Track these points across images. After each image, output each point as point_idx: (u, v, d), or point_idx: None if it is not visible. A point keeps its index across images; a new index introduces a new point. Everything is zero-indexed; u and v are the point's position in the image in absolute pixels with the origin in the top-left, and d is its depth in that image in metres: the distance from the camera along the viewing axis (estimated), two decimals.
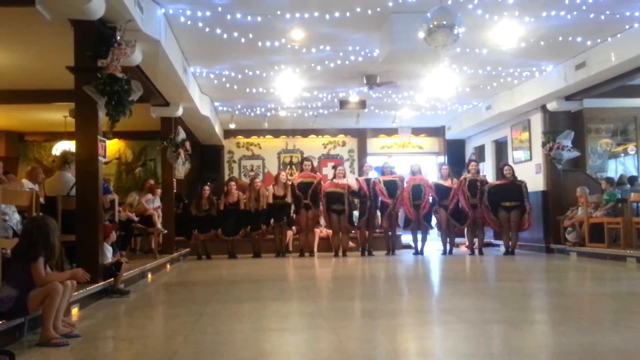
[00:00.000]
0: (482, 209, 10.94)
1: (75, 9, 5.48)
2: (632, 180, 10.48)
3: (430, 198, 11.29)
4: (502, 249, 11.24)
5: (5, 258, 4.75)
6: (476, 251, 11.20)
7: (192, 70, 9.87)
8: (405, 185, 11.26)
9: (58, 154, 12.26)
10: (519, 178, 11.08)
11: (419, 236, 11.43)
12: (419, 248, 11.38)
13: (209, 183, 12.28)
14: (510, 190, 10.84)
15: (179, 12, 7.31)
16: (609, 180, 10.34)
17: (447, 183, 11.30)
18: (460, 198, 11.02)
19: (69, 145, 11.83)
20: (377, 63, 9.07)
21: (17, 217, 5.59)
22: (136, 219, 9.68)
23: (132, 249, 10.29)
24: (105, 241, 6.21)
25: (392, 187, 11.18)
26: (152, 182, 11.23)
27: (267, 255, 11.58)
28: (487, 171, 13.90)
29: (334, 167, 12.10)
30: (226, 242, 11.68)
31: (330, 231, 11.97)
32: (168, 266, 9.80)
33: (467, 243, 11.49)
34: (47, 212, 5.63)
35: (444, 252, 11.31)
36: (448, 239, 11.44)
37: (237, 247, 11.66)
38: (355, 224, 11.33)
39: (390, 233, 11.62)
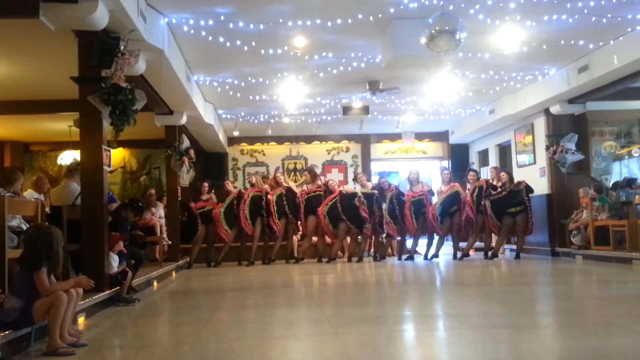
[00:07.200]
0: (487, 216, 10.91)
1: (79, 20, 5.51)
2: (630, 182, 10.44)
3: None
4: (508, 252, 11.23)
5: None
6: (471, 254, 11.25)
7: (196, 78, 9.91)
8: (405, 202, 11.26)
9: (63, 163, 12.33)
10: (519, 180, 11.06)
11: (425, 241, 11.45)
12: (426, 253, 11.39)
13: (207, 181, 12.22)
14: (512, 196, 10.82)
15: (182, 21, 7.35)
16: (597, 187, 10.32)
17: (450, 190, 11.23)
18: (467, 209, 11.00)
19: (74, 155, 11.86)
20: (380, 69, 9.08)
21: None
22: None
23: None
24: (111, 250, 6.22)
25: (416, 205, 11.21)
26: (152, 192, 11.22)
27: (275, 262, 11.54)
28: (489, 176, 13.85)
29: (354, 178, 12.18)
30: (239, 248, 11.60)
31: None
32: (174, 274, 9.81)
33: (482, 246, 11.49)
34: (53, 222, 5.65)
35: (454, 257, 11.29)
36: (453, 243, 11.44)
37: (244, 254, 11.57)
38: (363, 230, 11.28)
39: (399, 239, 11.66)
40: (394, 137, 15.42)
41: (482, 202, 10.90)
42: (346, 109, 12.24)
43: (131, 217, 6.64)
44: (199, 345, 3.94)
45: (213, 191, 11.93)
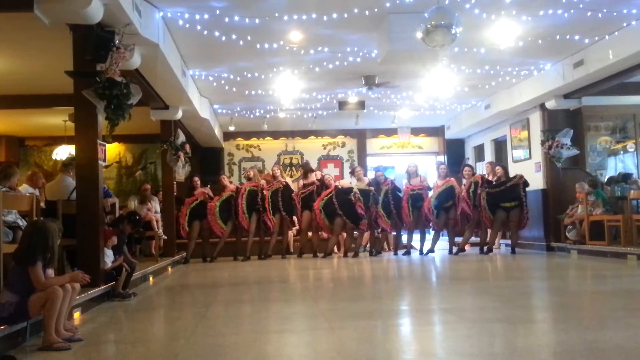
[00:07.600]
0: (480, 209, 10.93)
1: (73, 14, 5.48)
2: (625, 177, 10.47)
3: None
4: (504, 247, 11.24)
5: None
6: (467, 249, 11.31)
7: (191, 73, 9.88)
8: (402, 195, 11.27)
9: (58, 158, 12.30)
10: (515, 175, 11.09)
11: (418, 236, 11.48)
12: (421, 248, 11.39)
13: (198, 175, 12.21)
14: (510, 191, 10.84)
15: (177, 15, 7.32)
16: (592, 182, 10.35)
17: (445, 184, 11.24)
18: (463, 205, 11.01)
19: (69, 150, 11.83)
20: (376, 64, 9.07)
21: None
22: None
23: (133, 253, 10.25)
24: (105, 245, 6.21)
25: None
26: (148, 187, 11.19)
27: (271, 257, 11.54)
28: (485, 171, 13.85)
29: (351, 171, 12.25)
30: (235, 243, 11.59)
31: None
32: (169, 269, 9.81)
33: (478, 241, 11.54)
34: (48, 217, 5.64)
35: (450, 252, 11.30)
36: (449, 238, 11.47)
37: (240, 249, 11.56)
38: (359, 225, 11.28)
39: (394, 233, 11.69)
40: (390, 132, 15.44)
41: (479, 193, 10.90)
42: (342, 104, 12.24)
43: (128, 229, 6.64)
44: (195, 339, 3.94)
45: (209, 185, 11.88)
